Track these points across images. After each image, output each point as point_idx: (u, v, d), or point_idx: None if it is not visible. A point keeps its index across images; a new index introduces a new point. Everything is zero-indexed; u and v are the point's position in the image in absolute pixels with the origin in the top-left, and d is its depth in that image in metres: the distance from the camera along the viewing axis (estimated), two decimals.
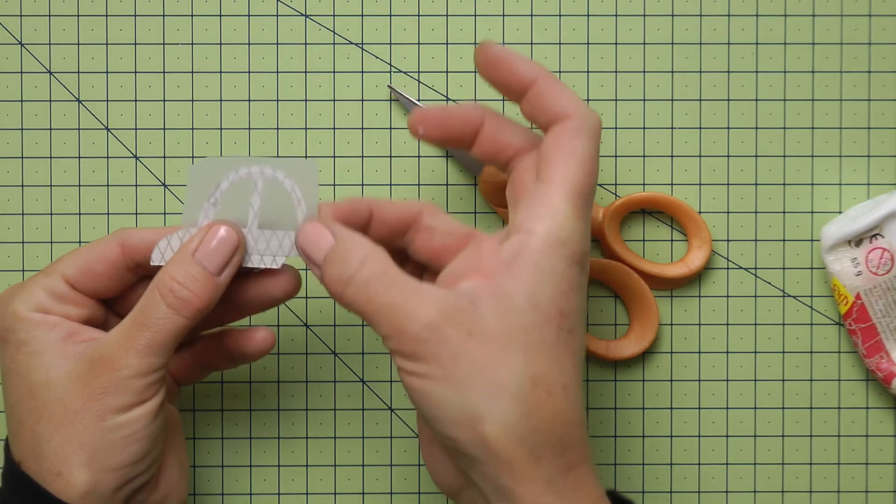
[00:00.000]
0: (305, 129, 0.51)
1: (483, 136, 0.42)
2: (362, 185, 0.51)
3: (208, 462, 0.51)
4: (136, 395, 0.40)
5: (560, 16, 0.51)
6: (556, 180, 0.39)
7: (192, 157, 0.51)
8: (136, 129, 0.51)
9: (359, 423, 0.51)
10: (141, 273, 0.43)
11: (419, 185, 0.51)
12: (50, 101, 0.51)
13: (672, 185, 0.51)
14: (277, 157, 0.44)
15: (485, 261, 0.40)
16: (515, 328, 0.38)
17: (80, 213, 0.51)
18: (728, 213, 0.51)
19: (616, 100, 0.51)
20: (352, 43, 0.51)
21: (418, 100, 0.51)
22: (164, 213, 0.51)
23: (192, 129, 0.51)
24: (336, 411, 0.51)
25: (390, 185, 0.51)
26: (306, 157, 0.51)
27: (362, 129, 0.51)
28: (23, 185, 0.51)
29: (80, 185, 0.51)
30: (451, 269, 0.41)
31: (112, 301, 0.44)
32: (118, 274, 0.43)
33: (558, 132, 0.40)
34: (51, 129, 0.51)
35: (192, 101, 0.51)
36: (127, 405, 0.40)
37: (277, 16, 0.51)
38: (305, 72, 0.51)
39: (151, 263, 0.42)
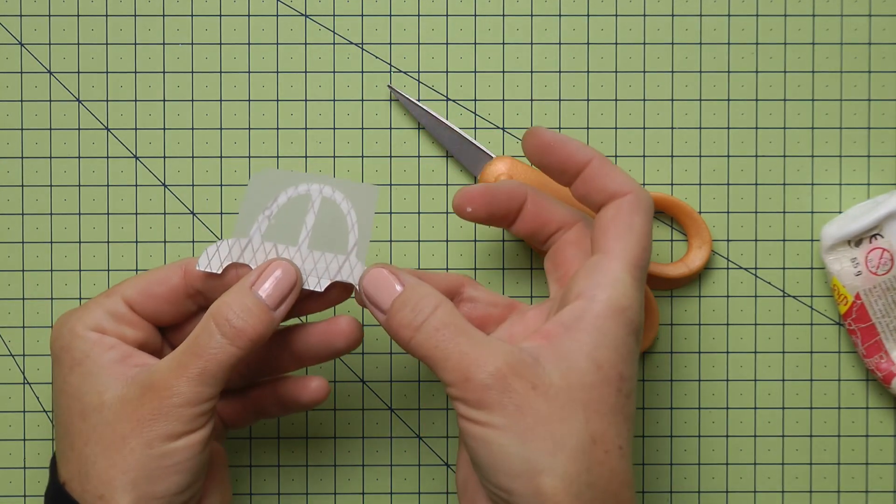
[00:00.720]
0: (305, 129, 0.51)
1: (526, 212, 0.44)
2: None
3: None
4: (185, 423, 0.40)
5: (560, 16, 0.51)
6: (616, 251, 0.41)
7: (192, 157, 0.51)
8: (136, 129, 0.51)
9: (359, 424, 0.51)
10: (200, 302, 0.44)
11: (419, 185, 0.51)
12: (50, 101, 0.51)
13: (672, 185, 0.51)
14: (336, 177, 0.44)
15: (540, 325, 0.41)
16: (577, 387, 0.39)
17: (79, 214, 0.51)
18: (728, 213, 0.51)
19: (616, 100, 0.51)
20: (352, 43, 0.51)
21: (418, 100, 0.51)
22: (164, 213, 0.51)
23: (192, 129, 0.51)
24: (336, 411, 0.51)
25: (390, 185, 0.51)
26: (305, 155, 0.51)
27: (362, 129, 0.51)
28: (23, 185, 0.51)
29: (79, 185, 0.51)
30: (496, 336, 0.43)
31: (169, 331, 0.45)
32: (178, 299, 0.43)
33: (617, 207, 0.42)
34: (51, 129, 0.51)
35: (192, 101, 0.51)
36: (175, 434, 0.40)
37: (277, 16, 0.51)
38: (305, 72, 0.51)
39: (197, 268, 0.42)
